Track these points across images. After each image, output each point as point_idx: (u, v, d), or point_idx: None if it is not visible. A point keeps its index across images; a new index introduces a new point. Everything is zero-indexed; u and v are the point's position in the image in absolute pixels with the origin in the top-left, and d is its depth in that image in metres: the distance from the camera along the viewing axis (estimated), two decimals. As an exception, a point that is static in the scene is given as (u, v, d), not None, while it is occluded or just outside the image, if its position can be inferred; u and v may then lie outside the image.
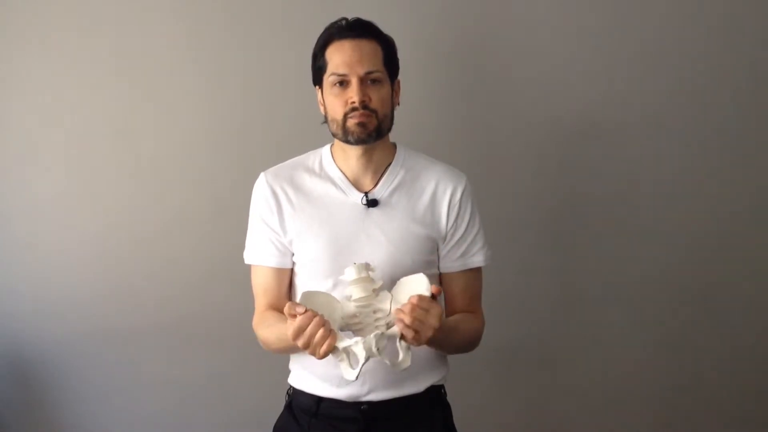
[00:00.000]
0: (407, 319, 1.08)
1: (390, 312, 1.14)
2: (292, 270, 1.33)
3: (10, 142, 1.73)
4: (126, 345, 1.78)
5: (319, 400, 1.29)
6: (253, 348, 1.33)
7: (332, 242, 1.26)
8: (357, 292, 1.13)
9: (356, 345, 1.08)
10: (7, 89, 1.71)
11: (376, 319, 1.15)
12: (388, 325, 1.14)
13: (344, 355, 1.10)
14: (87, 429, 1.82)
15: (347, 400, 1.26)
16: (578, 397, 1.90)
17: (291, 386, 1.36)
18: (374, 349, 1.07)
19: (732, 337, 1.90)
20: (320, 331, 1.07)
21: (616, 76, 1.78)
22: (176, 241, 1.76)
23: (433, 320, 1.09)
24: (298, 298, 1.32)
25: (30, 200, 1.74)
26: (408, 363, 1.12)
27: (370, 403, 1.26)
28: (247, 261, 1.34)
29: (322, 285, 1.26)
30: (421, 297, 1.10)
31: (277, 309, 1.30)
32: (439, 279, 1.35)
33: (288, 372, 1.37)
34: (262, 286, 1.33)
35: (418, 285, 1.13)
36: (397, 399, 1.27)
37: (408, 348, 1.12)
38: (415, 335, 1.09)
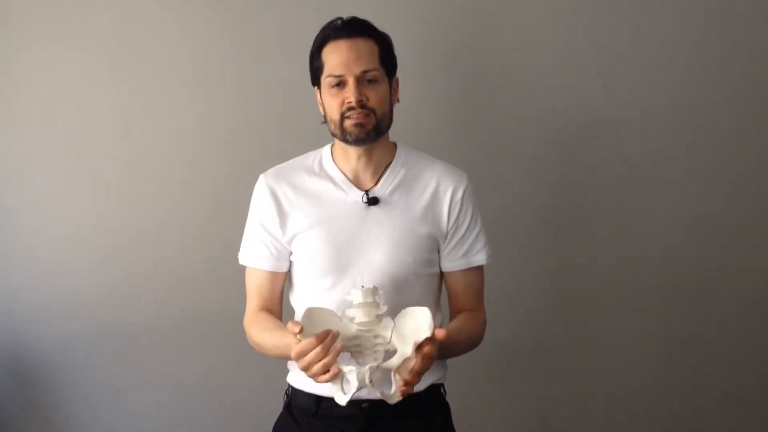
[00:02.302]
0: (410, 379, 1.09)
1: (390, 340, 1.14)
2: (290, 269, 1.33)
3: (10, 142, 1.73)
4: (125, 345, 1.78)
5: (319, 400, 1.29)
6: (252, 348, 1.33)
7: (332, 240, 1.26)
8: (360, 316, 1.13)
9: (350, 373, 1.08)
10: (7, 89, 1.71)
11: (376, 345, 1.15)
12: (387, 353, 1.14)
13: (338, 379, 1.11)
14: (86, 429, 1.82)
15: (347, 398, 1.26)
16: (578, 396, 1.90)
17: (290, 386, 1.36)
18: (367, 381, 1.08)
19: (733, 335, 1.89)
20: (321, 363, 1.07)
21: (616, 74, 1.78)
22: (176, 241, 1.76)
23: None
24: (296, 296, 1.33)
25: (30, 200, 1.74)
26: (400, 396, 1.13)
27: (370, 402, 1.26)
28: (241, 262, 1.35)
29: (321, 283, 1.26)
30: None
31: (270, 310, 1.32)
32: (441, 277, 1.35)
33: (287, 371, 1.37)
34: (255, 287, 1.33)
35: (422, 320, 1.12)
36: (397, 398, 1.27)
37: None
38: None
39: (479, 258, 1.33)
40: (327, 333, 1.08)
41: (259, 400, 1.65)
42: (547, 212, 1.82)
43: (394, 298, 1.21)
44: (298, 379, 1.32)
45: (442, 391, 1.38)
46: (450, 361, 1.38)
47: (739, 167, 1.83)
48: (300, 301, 1.32)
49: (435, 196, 1.30)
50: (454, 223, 1.30)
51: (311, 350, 1.07)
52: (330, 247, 1.25)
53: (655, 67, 1.78)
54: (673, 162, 1.82)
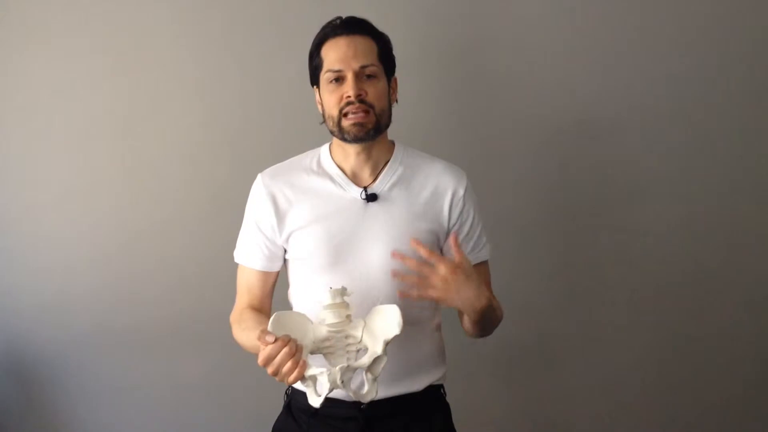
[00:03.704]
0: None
1: (361, 339, 1.14)
2: (287, 266, 1.33)
3: (10, 142, 1.73)
4: (125, 345, 1.79)
5: (318, 400, 1.29)
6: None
7: (331, 237, 1.26)
8: (330, 318, 1.13)
9: (321, 375, 1.09)
10: (7, 89, 1.71)
11: (348, 345, 1.15)
12: (359, 352, 1.15)
13: (311, 382, 1.11)
14: (86, 428, 1.83)
15: (346, 399, 1.25)
16: (578, 396, 1.90)
17: (289, 386, 1.36)
18: (339, 382, 1.09)
19: (733, 334, 1.89)
20: (288, 363, 1.08)
21: (616, 74, 1.78)
22: (175, 241, 1.76)
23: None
24: (295, 292, 1.33)
25: (30, 200, 1.74)
26: (373, 395, 1.13)
27: (369, 403, 1.25)
28: (236, 259, 1.35)
29: (319, 280, 1.26)
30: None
31: (257, 308, 1.33)
32: None
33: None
34: (245, 285, 1.34)
35: (392, 317, 1.12)
36: (396, 398, 1.26)
37: (374, 380, 1.13)
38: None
39: (484, 253, 1.35)
40: (289, 338, 1.10)
41: (259, 400, 1.65)
42: (547, 212, 1.82)
43: (393, 296, 1.21)
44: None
45: (442, 391, 1.37)
46: (450, 362, 1.38)
47: (738, 166, 1.83)
48: (298, 298, 1.32)
49: (435, 194, 1.30)
50: (457, 220, 1.30)
51: (279, 352, 1.08)
52: (328, 244, 1.25)
53: (655, 67, 1.78)
54: (673, 161, 1.82)
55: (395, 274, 1.17)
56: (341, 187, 1.28)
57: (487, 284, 1.35)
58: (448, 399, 1.39)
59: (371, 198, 1.27)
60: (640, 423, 1.91)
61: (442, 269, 1.14)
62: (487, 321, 1.25)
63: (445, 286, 1.15)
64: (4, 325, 1.78)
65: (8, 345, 1.78)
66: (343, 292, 1.15)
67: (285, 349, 1.08)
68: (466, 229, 1.31)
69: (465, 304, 1.17)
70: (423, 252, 1.16)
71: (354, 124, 1.22)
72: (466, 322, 1.27)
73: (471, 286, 1.16)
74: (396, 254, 1.18)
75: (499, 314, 1.29)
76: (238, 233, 1.36)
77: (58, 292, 1.76)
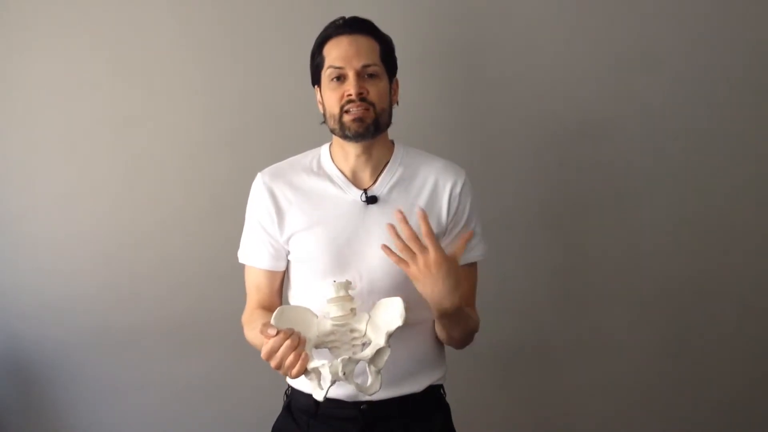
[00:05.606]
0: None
1: (366, 333, 1.14)
2: (288, 267, 1.33)
3: (10, 143, 1.73)
4: (125, 345, 1.79)
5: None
6: (252, 348, 1.33)
7: (331, 240, 1.25)
8: (334, 311, 1.13)
9: (323, 368, 1.09)
10: (7, 89, 1.71)
11: (352, 339, 1.15)
12: (364, 345, 1.14)
13: (314, 376, 1.11)
14: (87, 429, 1.83)
15: (346, 399, 1.26)
16: (578, 396, 1.90)
17: (289, 386, 1.36)
18: (340, 374, 1.08)
19: (733, 334, 1.89)
20: (291, 356, 1.08)
21: (615, 74, 1.78)
22: (176, 241, 1.76)
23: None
24: (295, 294, 1.33)
25: (30, 200, 1.74)
26: (377, 388, 1.13)
27: (369, 403, 1.26)
28: (240, 260, 1.35)
29: (319, 283, 1.26)
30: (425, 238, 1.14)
31: (267, 307, 1.32)
32: None
33: (287, 372, 1.37)
34: (254, 285, 1.34)
35: (395, 309, 1.12)
36: (396, 399, 1.27)
37: (378, 372, 1.13)
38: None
39: (475, 254, 1.32)
40: (292, 330, 1.10)
41: (259, 400, 1.65)
42: (547, 212, 1.82)
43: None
44: (298, 380, 1.32)
45: (442, 391, 1.37)
46: (449, 362, 1.38)
47: (737, 167, 1.84)
48: (299, 300, 1.32)
49: (434, 193, 1.29)
50: (453, 217, 1.30)
51: (281, 345, 1.08)
52: (329, 247, 1.25)
53: (655, 68, 1.78)
54: (673, 162, 1.82)
55: (384, 248, 1.16)
56: (341, 189, 1.28)
57: (471, 289, 1.34)
58: (448, 399, 1.39)
59: (371, 200, 1.26)
60: (639, 423, 1.91)
61: (423, 261, 1.13)
62: (454, 326, 1.25)
63: (424, 272, 1.13)
64: (4, 325, 1.78)
65: (8, 345, 1.78)
66: (347, 285, 1.14)
67: (287, 342, 1.08)
68: (460, 226, 1.30)
69: (433, 299, 1.15)
70: (423, 228, 1.13)
71: (354, 120, 1.21)
72: (437, 324, 1.27)
73: (446, 286, 1.13)
74: (398, 213, 1.16)
75: (471, 325, 1.28)
76: (238, 233, 1.36)
77: (58, 292, 1.76)
